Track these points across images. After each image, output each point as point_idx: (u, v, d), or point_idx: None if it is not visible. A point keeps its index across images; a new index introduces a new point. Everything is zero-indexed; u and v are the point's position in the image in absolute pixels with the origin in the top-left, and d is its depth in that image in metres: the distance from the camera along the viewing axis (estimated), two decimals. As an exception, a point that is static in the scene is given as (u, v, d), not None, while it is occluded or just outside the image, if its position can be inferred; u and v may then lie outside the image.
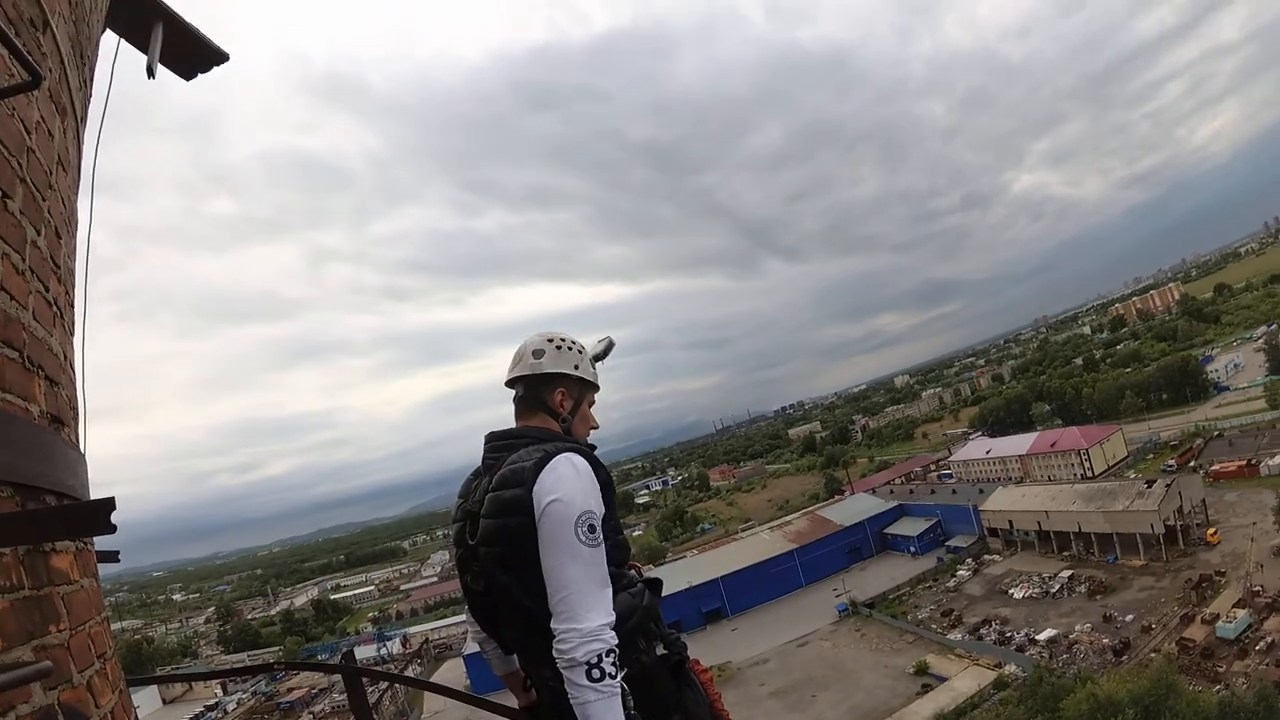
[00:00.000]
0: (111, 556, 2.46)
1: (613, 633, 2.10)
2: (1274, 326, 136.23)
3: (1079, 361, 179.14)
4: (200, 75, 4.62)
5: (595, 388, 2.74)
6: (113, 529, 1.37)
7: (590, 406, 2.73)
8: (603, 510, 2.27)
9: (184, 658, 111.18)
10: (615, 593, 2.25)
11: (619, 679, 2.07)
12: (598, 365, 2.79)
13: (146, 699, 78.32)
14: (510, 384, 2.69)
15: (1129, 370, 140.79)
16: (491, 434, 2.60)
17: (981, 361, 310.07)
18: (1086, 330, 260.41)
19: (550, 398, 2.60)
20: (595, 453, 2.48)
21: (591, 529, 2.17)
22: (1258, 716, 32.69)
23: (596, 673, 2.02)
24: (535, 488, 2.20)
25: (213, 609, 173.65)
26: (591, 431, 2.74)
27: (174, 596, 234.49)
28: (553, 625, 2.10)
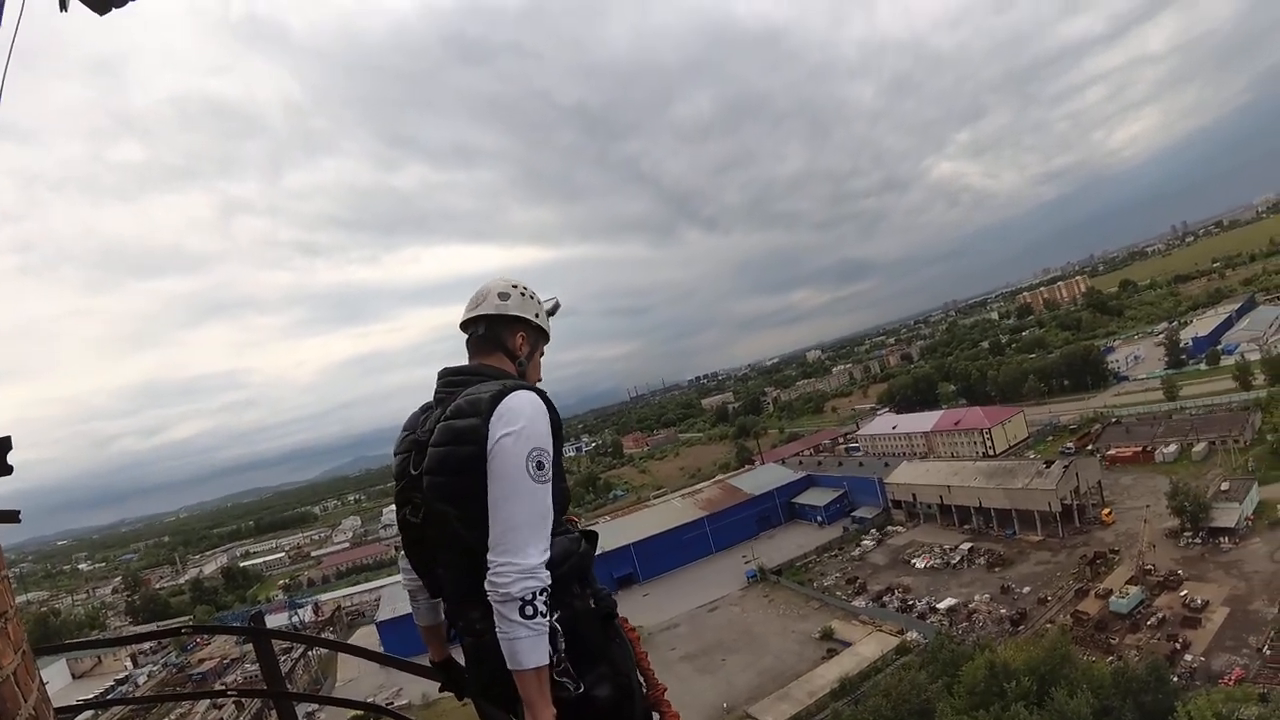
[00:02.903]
0: (12, 516, 2.23)
1: (548, 572, 2.07)
2: (1175, 323, 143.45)
3: (985, 345, 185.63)
4: (115, 10, 3.56)
5: (547, 339, 2.76)
6: (8, 470, 1.32)
7: (540, 357, 2.74)
8: (553, 450, 2.22)
9: (92, 629, 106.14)
10: (554, 536, 2.20)
11: (549, 620, 2.05)
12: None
13: (56, 674, 76.42)
14: (467, 325, 2.64)
15: (1033, 356, 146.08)
16: (446, 369, 2.55)
17: (892, 340, 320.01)
18: (994, 316, 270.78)
19: (510, 339, 2.61)
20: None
21: (540, 465, 2.13)
22: (1149, 686, 33.91)
23: (530, 609, 1.99)
24: (491, 419, 2.17)
25: (120, 578, 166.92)
26: (537, 384, 2.64)
27: (80, 566, 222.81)
28: (490, 557, 2.06)
